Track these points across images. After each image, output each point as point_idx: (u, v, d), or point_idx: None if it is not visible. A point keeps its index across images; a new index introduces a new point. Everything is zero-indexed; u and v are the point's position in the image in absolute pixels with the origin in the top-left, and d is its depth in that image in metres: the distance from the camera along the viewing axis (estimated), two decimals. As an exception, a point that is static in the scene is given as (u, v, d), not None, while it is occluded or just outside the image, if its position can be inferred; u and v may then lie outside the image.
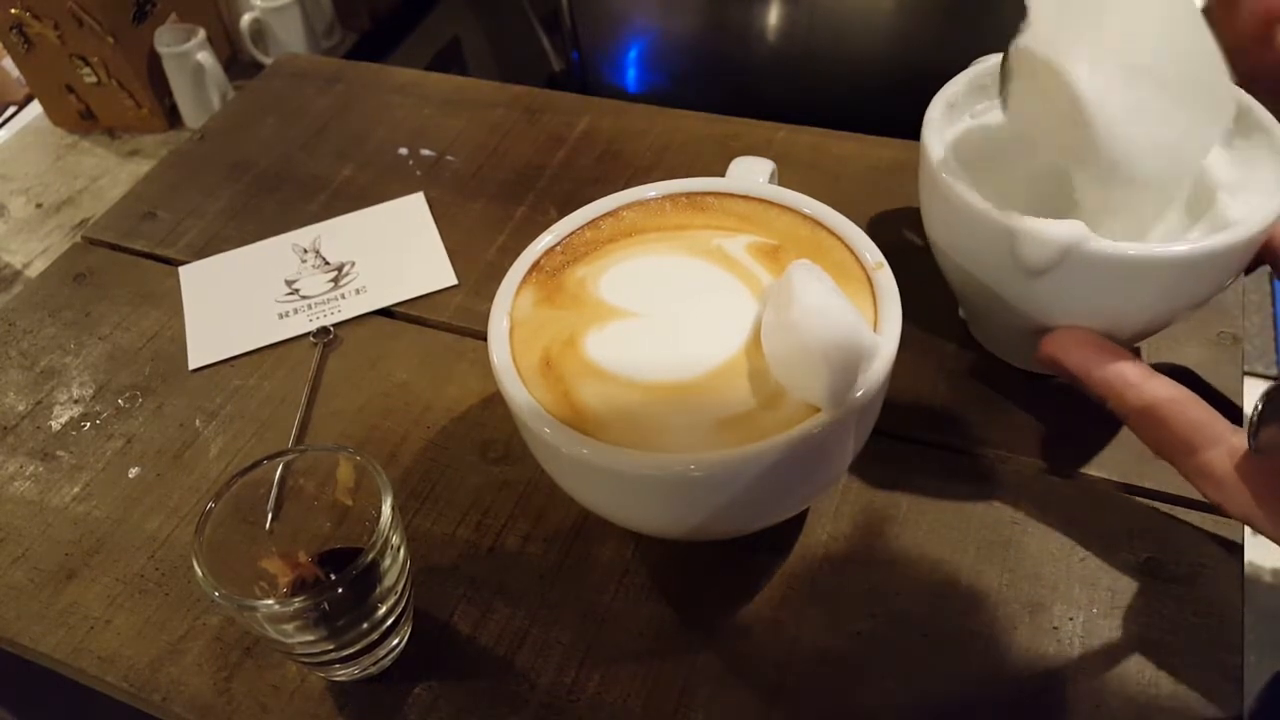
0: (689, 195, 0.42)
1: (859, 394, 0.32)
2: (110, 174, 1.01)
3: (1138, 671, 0.37)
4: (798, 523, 0.42)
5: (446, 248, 0.58)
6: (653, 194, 0.42)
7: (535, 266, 0.40)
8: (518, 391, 0.35)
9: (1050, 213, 0.37)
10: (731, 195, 0.41)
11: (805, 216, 0.40)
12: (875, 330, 0.35)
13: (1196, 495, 0.41)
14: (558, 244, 0.41)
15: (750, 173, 0.43)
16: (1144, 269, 0.36)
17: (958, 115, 0.45)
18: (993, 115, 0.45)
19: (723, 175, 0.43)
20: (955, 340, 0.49)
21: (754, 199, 0.41)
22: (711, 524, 0.36)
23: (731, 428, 0.33)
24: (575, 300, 0.38)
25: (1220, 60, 0.35)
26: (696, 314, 0.37)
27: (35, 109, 1.12)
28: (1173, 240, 0.39)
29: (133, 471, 0.48)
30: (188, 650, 0.41)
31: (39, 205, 0.97)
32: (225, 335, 0.54)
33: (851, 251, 0.38)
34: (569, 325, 0.37)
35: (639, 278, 0.39)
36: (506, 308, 0.38)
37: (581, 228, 0.41)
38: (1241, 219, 0.37)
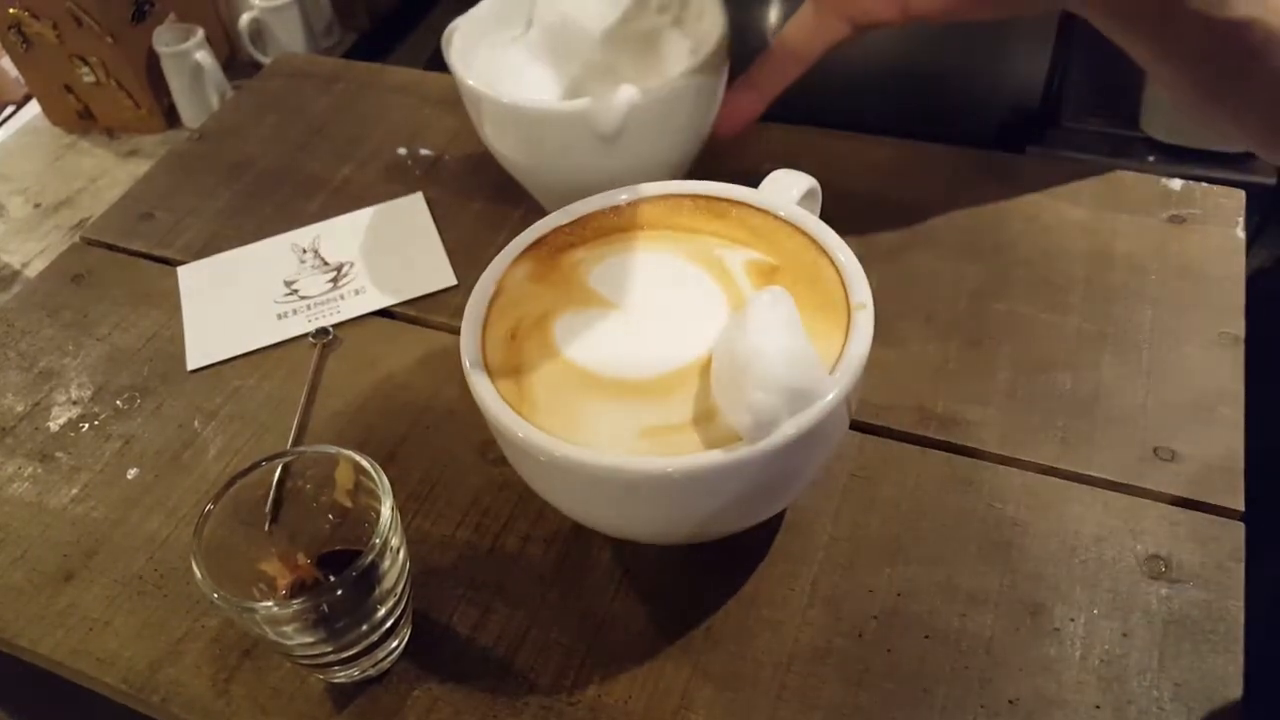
0: (710, 199, 0.42)
1: (786, 432, 0.32)
2: (109, 174, 1.01)
3: (1138, 672, 0.37)
4: (798, 523, 0.42)
5: (445, 248, 0.58)
6: (677, 191, 0.42)
7: (540, 241, 0.40)
8: (472, 354, 0.36)
9: None
10: (752, 207, 0.41)
11: (814, 243, 0.39)
12: (831, 370, 0.34)
13: (1197, 495, 0.41)
14: (569, 223, 0.41)
15: (783, 187, 0.42)
16: (681, 96, 0.48)
17: (473, 49, 0.53)
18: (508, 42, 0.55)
19: (727, 176, 0.43)
20: (956, 339, 0.49)
21: (772, 215, 0.40)
22: (628, 525, 0.38)
23: (653, 436, 0.33)
24: (565, 280, 0.39)
25: None
26: (669, 318, 0.37)
27: (34, 109, 1.12)
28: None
29: (131, 473, 0.48)
30: (187, 652, 0.41)
31: (37, 205, 0.97)
32: (224, 336, 0.54)
33: (843, 287, 0.37)
34: (547, 303, 0.38)
35: (631, 272, 0.39)
36: (497, 275, 0.39)
37: (596, 212, 0.41)
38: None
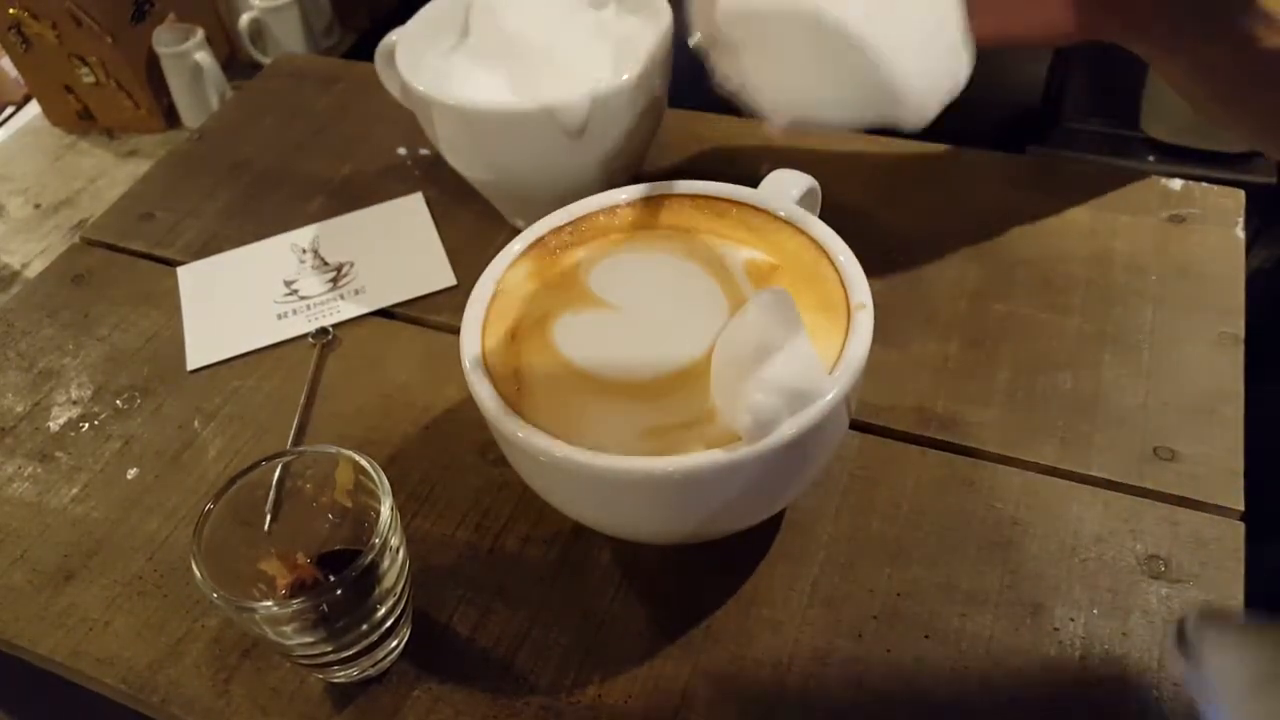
0: (710, 199, 0.42)
1: (786, 432, 0.32)
2: (108, 174, 1.01)
3: (1138, 673, 0.37)
4: (798, 523, 0.42)
5: (445, 248, 0.58)
6: (677, 190, 0.42)
7: (540, 241, 0.40)
8: (473, 354, 0.36)
9: None
10: (752, 207, 0.41)
11: (814, 243, 0.39)
12: (831, 370, 0.34)
13: (1197, 495, 0.41)
14: (569, 223, 0.41)
15: (783, 187, 0.41)
16: (641, 85, 0.49)
17: (418, 58, 0.52)
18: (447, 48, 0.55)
19: (726, 176, 0.43)
20: (956, 339, 0.49)
21: (772, 215, 0.40)
22: (628, 525, 0.38)
23: (653, 436, 0.33)
24: (564, 281, 0.39)
25: None
26: (669, 318, 0.37)
27: (33, 109, 1.12)
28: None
29: (131, 473, 0.48)
30: (186, 652, 0.41)
31: (37, 206, 0.97)
32: (224, 336, 0.54)
33: (843, 287, 0.37)
34: (547, 304, 0.38)
35: (631, 272, 0.39)
36: (497, 275, 0.39)
37: (596, 212, 0.41)
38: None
